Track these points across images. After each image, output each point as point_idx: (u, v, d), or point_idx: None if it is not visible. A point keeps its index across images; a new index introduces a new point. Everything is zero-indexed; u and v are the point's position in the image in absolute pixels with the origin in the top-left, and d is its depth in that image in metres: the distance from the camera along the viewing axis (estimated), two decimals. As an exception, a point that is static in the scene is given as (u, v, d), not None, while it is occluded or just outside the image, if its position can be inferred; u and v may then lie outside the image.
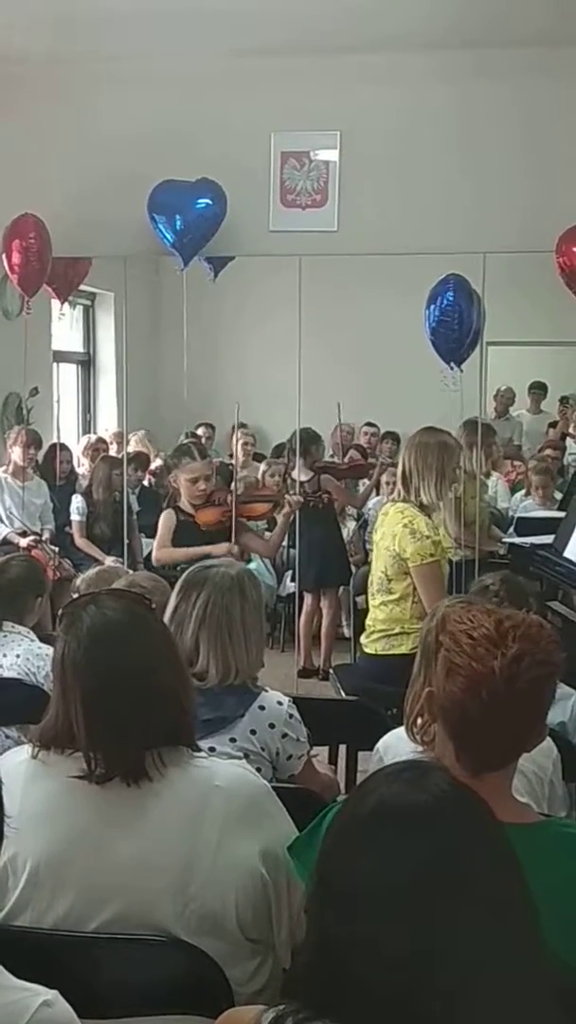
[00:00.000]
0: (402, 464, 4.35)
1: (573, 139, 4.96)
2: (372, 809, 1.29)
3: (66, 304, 8.23)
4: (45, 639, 3.80)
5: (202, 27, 4.78)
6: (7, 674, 3.54)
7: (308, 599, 6.86)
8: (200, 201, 5.02)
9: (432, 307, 5.31)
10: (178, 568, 4.54)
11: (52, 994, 1.44)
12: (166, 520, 5.31)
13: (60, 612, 2.09)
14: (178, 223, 5.01)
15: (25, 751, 2.04)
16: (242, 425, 8.70)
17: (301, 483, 6.33)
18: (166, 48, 5.01)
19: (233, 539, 5.18)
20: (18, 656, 3.59)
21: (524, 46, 4.89)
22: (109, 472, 6.76)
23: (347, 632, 6.89)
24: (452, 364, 5.34)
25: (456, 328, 5.25)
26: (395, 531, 4.21)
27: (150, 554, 6.96)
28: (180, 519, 5.27)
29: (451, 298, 5.25)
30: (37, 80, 5.29)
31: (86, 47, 5.05)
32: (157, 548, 5.33)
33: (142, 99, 5.23)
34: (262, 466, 7.66)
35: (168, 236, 5.05)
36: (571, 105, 4.96)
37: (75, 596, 2.41)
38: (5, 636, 3.67)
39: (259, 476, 7.43)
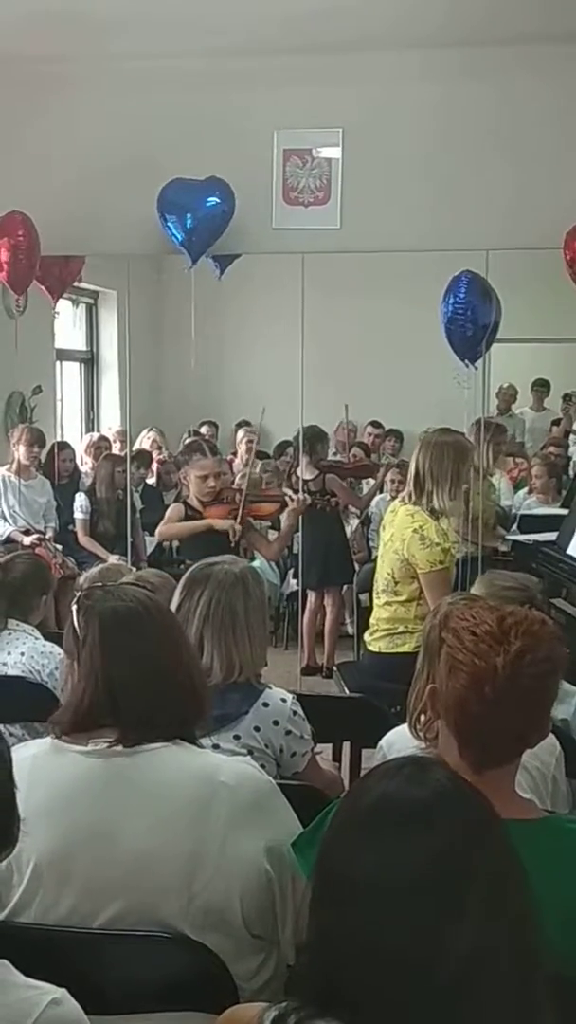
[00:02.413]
0: (415, 465, 4.24)
1: (576, 136, 4.96)
2: (372, 805, 1.29)
3: (69, 303, 8.26)
4: (49, 637, 3.80)
5: (203, 27, 4.78)
6: (12, 672, 3.54)
7: (311, 597, 6.86)
8: (210, 199, 5.02)
9: (445, 304, 5.31)
10: (182, 566, 4.56)
11: (60, 992, 1.44)
12: (174, 509, 5.39)
13: (78, 597, 2.10)
14: (189, 221, 5.01)
15: (31, 747, 2.05)
16: (246, 423, 8.71)
17: (306, 481, 6.33)
18: (166, 48, 5.01)
19: (235, 524, 5.20)
20: (23, 654, 3.59)
21: (524, 44, 4.88)
22: (111, 470, 6.77)
23: (350, 630, 6.90)
24: (467, 361, 5.34)
25: (470, 325, 5.24)
26: (404, 535, 4.16)
27: (154, 552, 7.00)
28: (188, 514, 5.31)
29: (463, 295, 5.24)
30: (37, 80, 5.29)
31: (88, 48, 5.06)
32: (160, 528, 5.42)
33: (144, 98, 5.23)
34: (257, 467, 7.64)
35: (178, 234, 5.05)
36: (574, 101, 4.95)
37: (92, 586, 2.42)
38: (10, 634, 3.67)
39: (256, 474, 7.42)
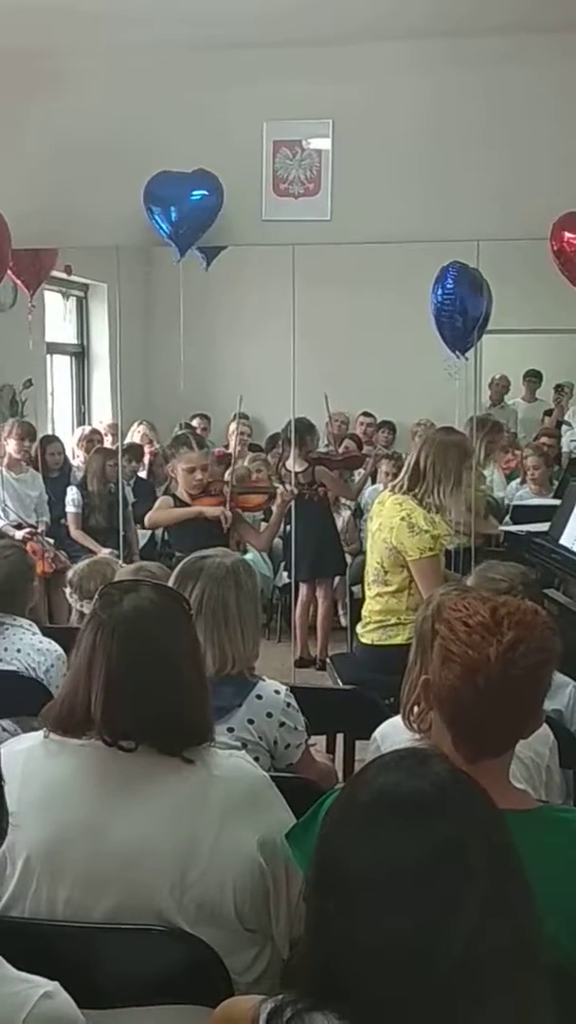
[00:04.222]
0: (417, 459, 4.26)
1: (565, 125, 4.94)
2: (371, 796, 1.29)
3: (59, 296, 8.25)
4: (45, 632, 3.78)
5: (191, 19, 4.76)
6: (7, 668, 3.53)
7: (303, 589, 6.87)
8: (196, 192, 5.00)
9: (434, 295, 5.32)
10: (173, 559, 4.56)
11: (53, 986, 1.44)
12: (163, 501, 5.40)
13: (98, 594, 2.08)
14: (173, 214, 4.99)
15: (25, 740, 2.05)
16: (242, 416, 8.70)
17: (296, 474, 6.32)
18: (155, 40, 4.99)
19: (226, 510, 5.21)
20: (19, 650, 3.57)
21: (513, 34, 4.87)
22: (103, 464, 6.76)
23: (343, 621, 6.90)
24: (457, 352, 5.33)
25: (459, 316, 5.24)
26: (392, 524, 4.17)
27: (146, 545, 6.99)
28: (176, 506, 5.32)
29: (450, 286, 5.24)
30: (22, 74, 5.25)
31: (74, 40, 5.03)
32: (149, 515, 5.43)
33: (132, 90, 5.20)
34: (247, 459, 7.64)
35: (164, 227, 5.04)
36: (563, 92, 4.94)
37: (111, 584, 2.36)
38: (7, 629, 3.65)
39: (247, 467, 7.42)
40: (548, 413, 9.52)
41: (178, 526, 5.36)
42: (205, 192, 4.99)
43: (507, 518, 6.82)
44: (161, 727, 1.93)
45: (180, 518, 5.28)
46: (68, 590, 4.26)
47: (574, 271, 4.86)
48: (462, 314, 5.20)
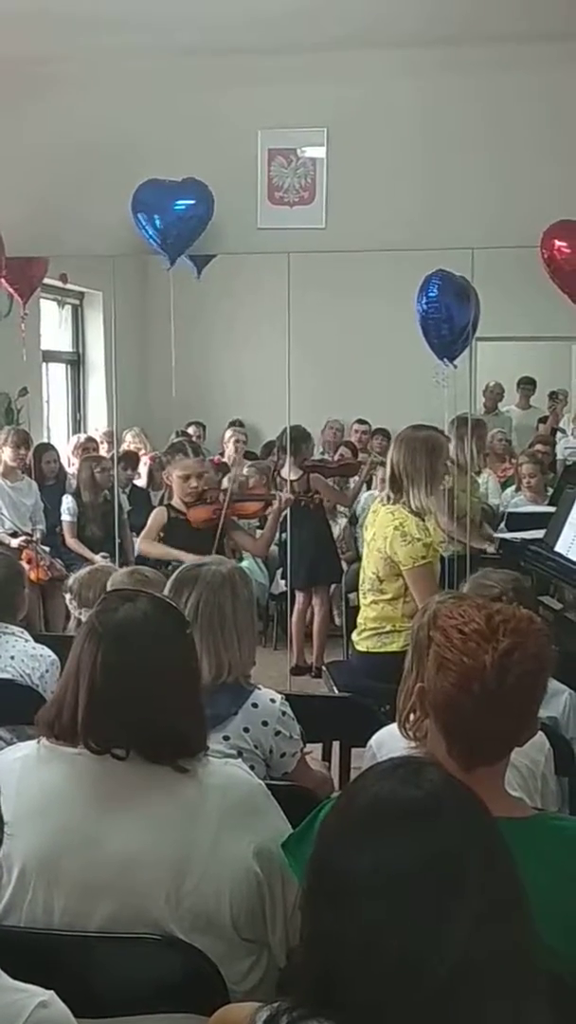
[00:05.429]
0: (391, 464, 4.27)
1: (557, 133, 4.96)
2: (366, 805, 1.29)
3: (54, 304, 8.25)
4: (39, 639, 3.77)
5: (185, 26, 4.78)
6: (2, 676, 3.52)
7: (300, 597, 6.86)
8: (180, 202, 5.01)
9: (419, 304, 5.34)
10: (169, 567, 4.55)
11: (48, 995, 1.44)
12: (156, 516, 5.38)
13: (99, 601, 2.09)
14: (157, 223, 5.01)
15: (21, 748, 2.05)
16: (238, 423, 8.71)
17: (291, 482, 6.32)
18: (150, 47, 5.00)
19: (216, 541, 5.19)
20: (12, 658, 3.57)
21: (507, 42, 4.89)
22: (91, 472, 6.76)
23: (337, 621, 6.91)
24: (445, 359, 5.35)
25: (445, 324, 5.26)
26: (386, 533, 4.17)
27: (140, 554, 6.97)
28: (171, 516, 5.31)
29: (434, 295, 5.26)
30: (15, 80, 5.26)
31: (68, 47, 5.04)
32: (141, 539, 5.41)
33: (127, 98, 5.21)
34: (246, 467, 7.65)
35: (152, 235, 5.05)
36: (555, 100, 4.96)
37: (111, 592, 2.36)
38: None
39: (245, 474, 7.43)
40: (543, 420, 9.52)
41: (172, 534, 5.35)
42: (192, 201, 4.99)
43: (502, 525, 6.82)
44: (147, 736, 1.93)
45: (165, 557, 5.18)
46: (68, 597, 4.26)
47: (564, 278, 4.88)
48: (448, 322, 5.22)
